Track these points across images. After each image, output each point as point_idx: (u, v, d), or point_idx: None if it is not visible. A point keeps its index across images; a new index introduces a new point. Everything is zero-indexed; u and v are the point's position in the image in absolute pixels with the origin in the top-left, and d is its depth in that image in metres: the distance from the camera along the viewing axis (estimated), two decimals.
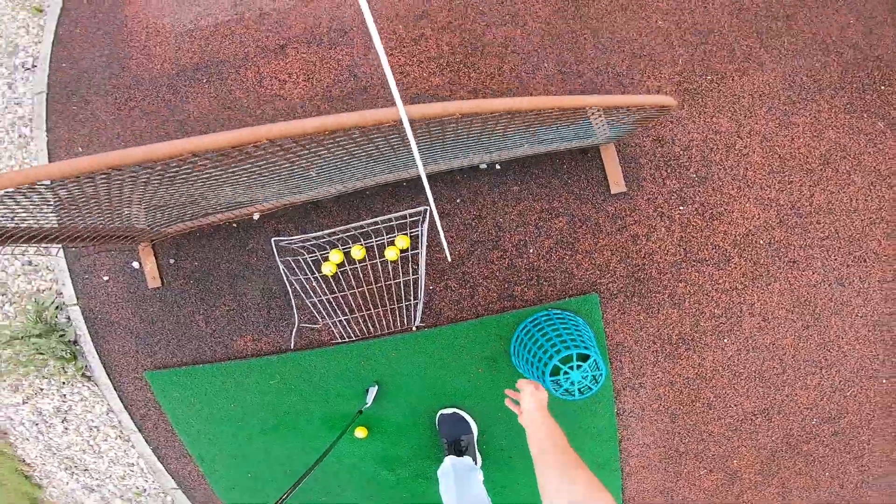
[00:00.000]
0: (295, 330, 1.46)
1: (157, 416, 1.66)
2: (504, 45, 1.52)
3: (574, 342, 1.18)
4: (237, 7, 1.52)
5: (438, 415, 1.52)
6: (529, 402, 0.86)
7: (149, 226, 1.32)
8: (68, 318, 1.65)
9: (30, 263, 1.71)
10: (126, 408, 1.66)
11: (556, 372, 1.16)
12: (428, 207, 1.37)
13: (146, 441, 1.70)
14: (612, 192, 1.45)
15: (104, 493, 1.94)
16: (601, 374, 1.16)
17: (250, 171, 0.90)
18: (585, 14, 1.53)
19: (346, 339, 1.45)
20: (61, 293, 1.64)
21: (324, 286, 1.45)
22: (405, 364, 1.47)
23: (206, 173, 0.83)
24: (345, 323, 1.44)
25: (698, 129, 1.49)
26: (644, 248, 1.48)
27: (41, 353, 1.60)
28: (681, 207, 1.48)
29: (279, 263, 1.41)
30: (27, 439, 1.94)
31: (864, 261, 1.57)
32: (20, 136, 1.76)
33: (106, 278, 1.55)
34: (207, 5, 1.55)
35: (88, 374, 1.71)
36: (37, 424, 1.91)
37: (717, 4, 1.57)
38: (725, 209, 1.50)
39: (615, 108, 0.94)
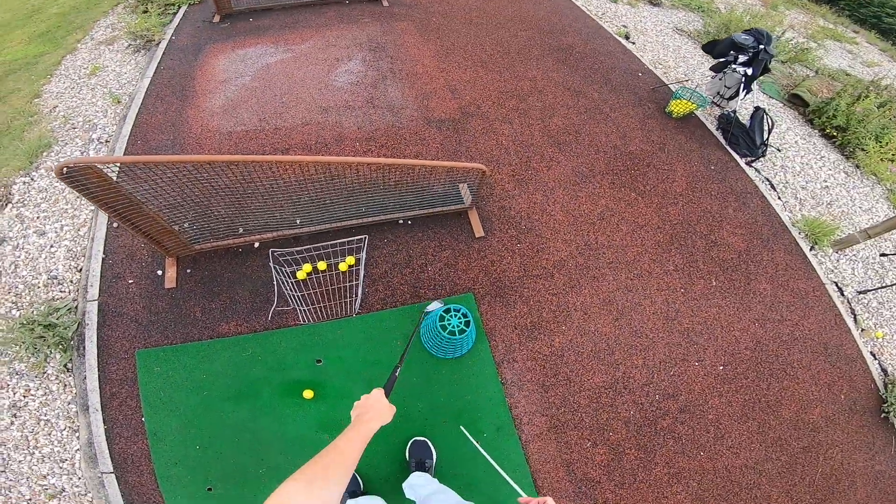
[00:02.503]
0: (273, 307, 2.35)
1: (127, 394, 2.14)
2: (415, 155, 2.89)
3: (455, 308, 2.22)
4: (261, 123, 2.82)
5: (410, 441, 2.11)
6: None
7: (186, 233, 2.30)
8: (75, 319, 2.28)
9: (55, 279, 2.49)
10: (100, 386, 2.15)
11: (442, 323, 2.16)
12: (366, 236, 2.51)
13: (103, 420, 2.10)
14: (476, 236, 2.70)
15: (10, 497, 2.06)
16: (470, 321, 2.14)
17: (263, 195, 2.00)
18: (462, 138, 2.99)
19: (307, 322, 2.36)
20: (76, 300, 2.38)
21: (297, 286, 2.43)
22: (346, 340, 2.34)
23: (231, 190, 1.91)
24: (307, 311, 2.38)
25: (524, 201, 2.86)
26: (498, 268, 2.66)
27: (42, 337, 2.16)
28: (518, 245, 2.74)
29: (272, 267, 2.40)
30: None
31: (641, 276, 2.83)
32: None
33: (131, 281, 2.40)
34: (243, 119, 2.84)
35: (70, 366, 2.23)
36: None
37: (533, 130, 3.13)
38: (544, 246, 2.77)
39: (457, 170, 2.20)
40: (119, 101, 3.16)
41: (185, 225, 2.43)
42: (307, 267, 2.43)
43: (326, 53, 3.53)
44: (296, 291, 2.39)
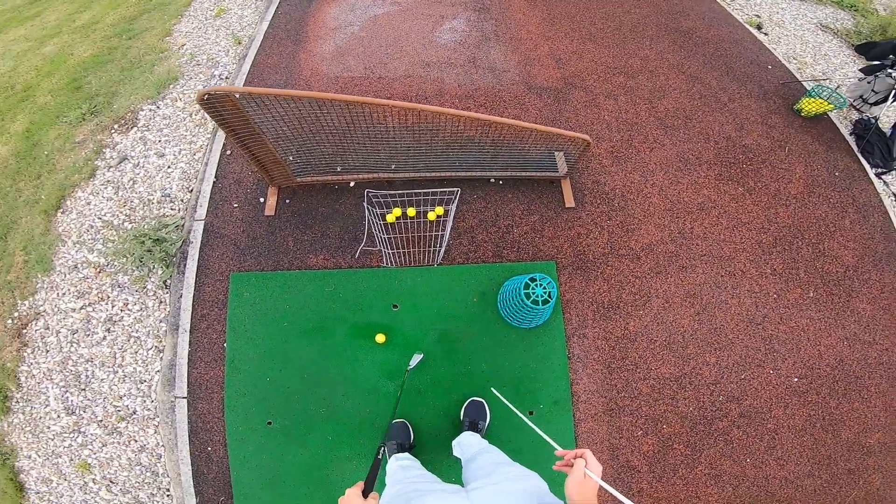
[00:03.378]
0: (361, 246, 2.50)
1: (215, 317, 2.33)
2: (514, 118, 2.92)
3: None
4: (366, 71, 2.98)
5: (468, 401, 2.20)
6: (585, 470, 0.91)
7: (291, 164, 2.50)
8: (180, 236, 2.52)
9: (168, 196, 2.80)
10: (193, 306, 2.36)
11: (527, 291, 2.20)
12: (459, 189, 2.59)
13: (189, 342, 2.27)
14: (567, 205, 2.68)
15: (83, 416, 2.22)
16: (553, 292, 2.16)
17: (364, 137, 2.12)
18: (563, 108, 2.98)
19: (390, 265, 2.50)
20: (184, 218, 2.65)
21: (385, 228, 2.57)
22: (424, 289, 2.45)
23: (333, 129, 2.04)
24: (392, 255, 2.52)
25: (620, 178, 2.80)
26: (585, 241, 2.64)
27: (150, 251, 2.41)
28: (608, 221, 2.69)
29: (365, 206, 2.56)
30: (48, 350, 2.34)
31: (734, 275, 2.70)
32: (203, 117, 3.07)
33: (236, 205, 2.64)
34: (349, 66, 3.02)
35: (168, 283, 2.45)
36: (75, 332, 2.37)
37: (639, 109, 3.04)
38: (635, 227, 2.70)
39: (558, 136, 2.21)
40: (240, 42, 3.46)
41: (291, 158, 2.64)
42: (397, 211, 2.55)
43: (432, 10, 3.63)
44: (384, 233, 2.53)
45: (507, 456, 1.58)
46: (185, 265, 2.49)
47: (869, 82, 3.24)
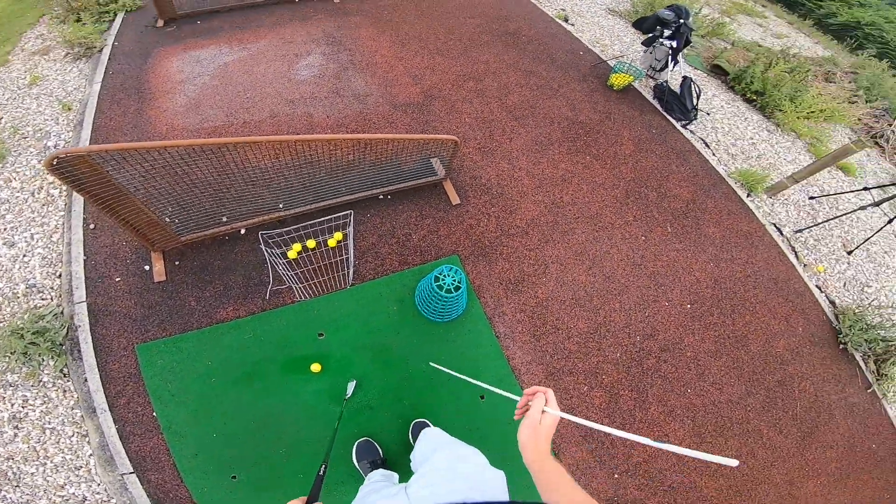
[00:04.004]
0: (270, 288, 2.53)
1: (133, 391, 2.23)
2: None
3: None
4: (228, 118, 3.00)
5: (412, 423, 2.25)
6: (543, 407, 0.88)
7: (172, 225, 2.45)
8: (63, 323, 2.34)
9: (34, 287, 2.53)
10: (103, 387, 2.21)
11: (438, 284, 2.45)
12: (352, 211, 2.77)
13: (114, 420, 2.15)
14: (453, 203, 3.02)
15: None
16: (462, 278, 2.43)
17: (243, 183, 2.22)
18: (428, 118, 3.33)
19: (304, 298, 2.57)
20: (60, 305, 2.45)
21: (289, 265, 2.63)
22: (343, 311, 2.56)
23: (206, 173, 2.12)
24: (303, 288, 2.59)
25: (492, 169, 3.23)
26: (477, 231, 2.99)
27: (34, 344, 2.20)
28: (492, 208, 3.09)
29: (264, 249, 2.59)
30: None
31: (606, 228, 3.25)
32: (48, 195, 2.80)
33: (118, 279, 2.48)
34: (208, 116, 3.01)
35: (66, 371, 2.28)
36: None
37: (493, 107, 3.53)
38: (516, 207, 3.14)
39: (428, 141, 2.53)
40: (70, 108, 3.21)
41: (168, 218, 2.57)
42: (297, 246, 2.64)
43: (284, 50, 3.76)
44: (289, 270, 2.60)
45: (453, 437, 1.69)
46: (79, 350, 2.31)
47: (651, 52, 4.17)
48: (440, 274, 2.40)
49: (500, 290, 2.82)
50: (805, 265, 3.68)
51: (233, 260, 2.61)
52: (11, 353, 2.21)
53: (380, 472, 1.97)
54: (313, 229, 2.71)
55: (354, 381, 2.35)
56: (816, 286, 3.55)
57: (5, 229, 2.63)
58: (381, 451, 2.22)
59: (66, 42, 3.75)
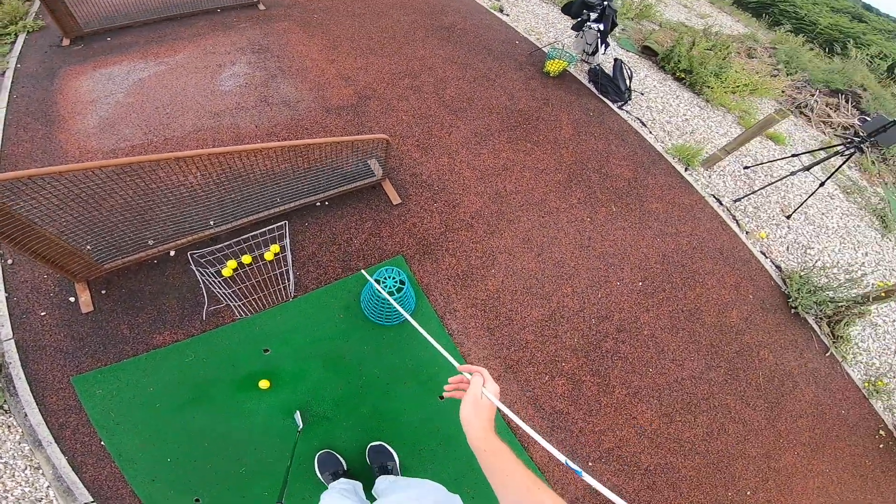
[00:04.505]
0: (206, 308, 2.44)
1: (77, 422, 2.14)
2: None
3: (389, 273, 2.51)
4: (148, 136, 2.87)
5: (368, 447, 2.23)
6: (481, 389, 0.88)
7: (90, 254, 2.32)
8: None
9: None
10: (45, 420, 2.13)
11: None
12: (286, 221, 2.70)
13: (62, 452, 2.09)
14: (394, 203, 3.01)
15: None
16: (404, 278, 2.44)
17: (168, 202, 2.13)
18: (363, 120, 3.31)
19: (244, 316, 2.49)
20: None
21: (225, 283, 2.54)
22: (288, 324, 2.50)
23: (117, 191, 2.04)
24: (241, 305, 2.51)
25: (432, 165, 3.24)
26: (421, 229, 2.99)
27: None
28: (434, 204, 3.10)
29: (194, 269, 2.49)
30: None
31: (551, 213, 3.31)
32: None
33: (43, 313, 2.33)
34: (125, 135, 2.87)
35: (6, 406, 2.18)
36: None
37: (430, 103, 3.54)
38: (459, 201, 3.16)
39: (356, 142, 2.51)
40: None
41: (88, 247, 2.43)
42: (232, 263, 2.55)
43: (206, 61, 3.63)
44: (225, 288, 2.51)
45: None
46: (14, 387, 2.20)
47: (581, 37, 4.31)
48: (380, 277, 2.38)
49: (450, 287, 2.83)
50: (747, 232, 3.89)
51: (164, 283, 2.50)
52: None
53: (343, 481, 1.96)
54: (248, 244, 2.63)
55: (299, 412, 2.29)
56: (761, 252, 3.75)
57: None
58: (343, 462, 2.20)
59: None
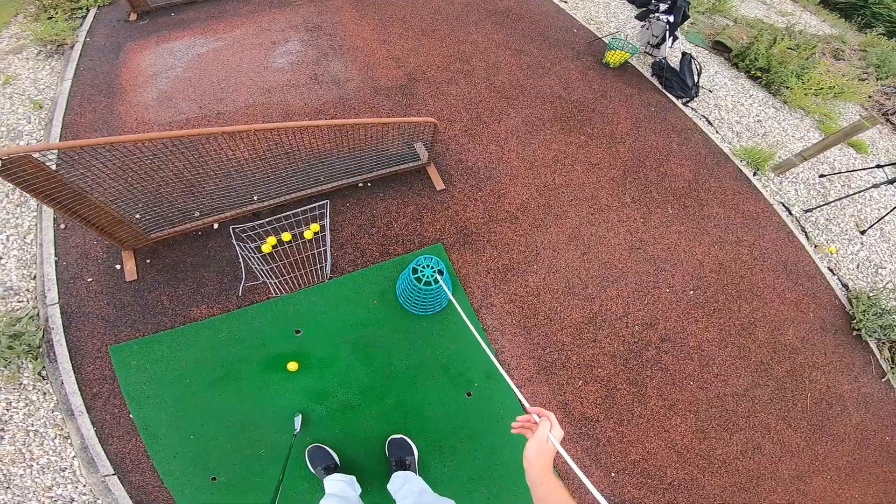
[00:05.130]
0: (243, 284, 2.46)
1: (109, 392, 2.21)
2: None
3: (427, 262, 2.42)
4: (202, 110, 2.93)
5: (388, 439, 2.19)
6: (548, 435, 0.92)
7: (139, 223, 2.39)
8: (39, 326, 2.34)
9: (10, 289, 2.49)
10: (80, 388, 2.21)
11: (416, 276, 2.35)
12: (328, 201, 2.68)
13: (91, 422, 2.14)
14: (437, 189, 2.92)
15: None
16: (443, 271, 2.34)
17: (216, 176, 2.14)
18: (411, 102, 3.23)
19: (280, 294, 2.49)
20: (36, 307, 2.43)
21: (264, 260, 2.55)
22: (322, 306, 2.48)
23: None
24: (278, 283, 2.51)
25: (479, 152, 3.13)
26: (463, 217, 2.89)
27: (10, 348, 2.21)
28: (479, 193, 2.98)
29: (236, 244, 2.52)
30: None
31: (602, 211, 3.14)
32: (21, 196, 2.76)
33: (90, 280, 2.42)
34: (181, 109, 2.94)
35: (44, 373, 2.29)
36: None
37: (480, 88, 3.42)
38: (505, 191, 3.03)
39: (404, 125, 2.43)
40: (41, 107, 3.17)
41: (137, 215, 2.50)
42: (272, 240, 2.56)
43: (261, 38, 3.68)
44: (264, 265, 2.52)
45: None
46: (54, 353, 2.28)
47: (647, 28, 4.03)
48: (418, 265, 2.30)
49: (489, 280, 2.72)
50: (816, 246, 3.54)
51: (205, 256, 2.54)
52: None
53: (338, 476, 1.95)
54: (288, 221, 2.62)
55: (300, 415, 2.25)
56: (828, 268, 3.41)
57: None
58: (335, 456, 2.16)
59: (38, 40, 3.70)
